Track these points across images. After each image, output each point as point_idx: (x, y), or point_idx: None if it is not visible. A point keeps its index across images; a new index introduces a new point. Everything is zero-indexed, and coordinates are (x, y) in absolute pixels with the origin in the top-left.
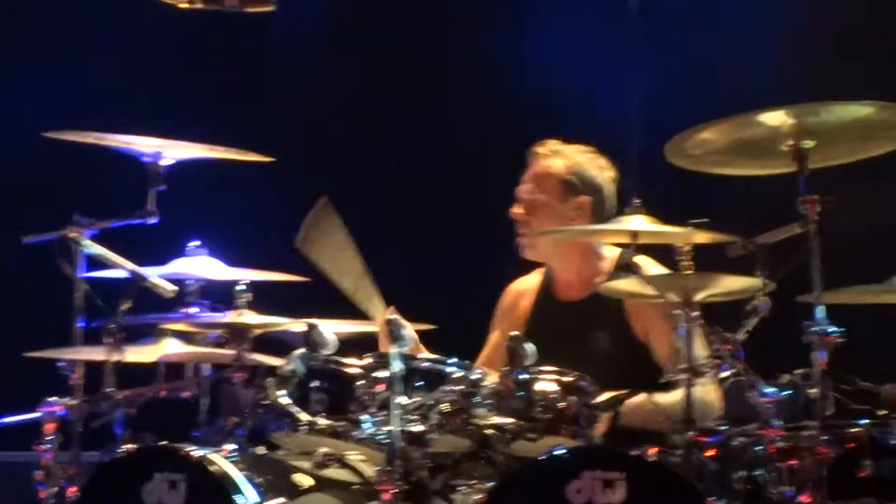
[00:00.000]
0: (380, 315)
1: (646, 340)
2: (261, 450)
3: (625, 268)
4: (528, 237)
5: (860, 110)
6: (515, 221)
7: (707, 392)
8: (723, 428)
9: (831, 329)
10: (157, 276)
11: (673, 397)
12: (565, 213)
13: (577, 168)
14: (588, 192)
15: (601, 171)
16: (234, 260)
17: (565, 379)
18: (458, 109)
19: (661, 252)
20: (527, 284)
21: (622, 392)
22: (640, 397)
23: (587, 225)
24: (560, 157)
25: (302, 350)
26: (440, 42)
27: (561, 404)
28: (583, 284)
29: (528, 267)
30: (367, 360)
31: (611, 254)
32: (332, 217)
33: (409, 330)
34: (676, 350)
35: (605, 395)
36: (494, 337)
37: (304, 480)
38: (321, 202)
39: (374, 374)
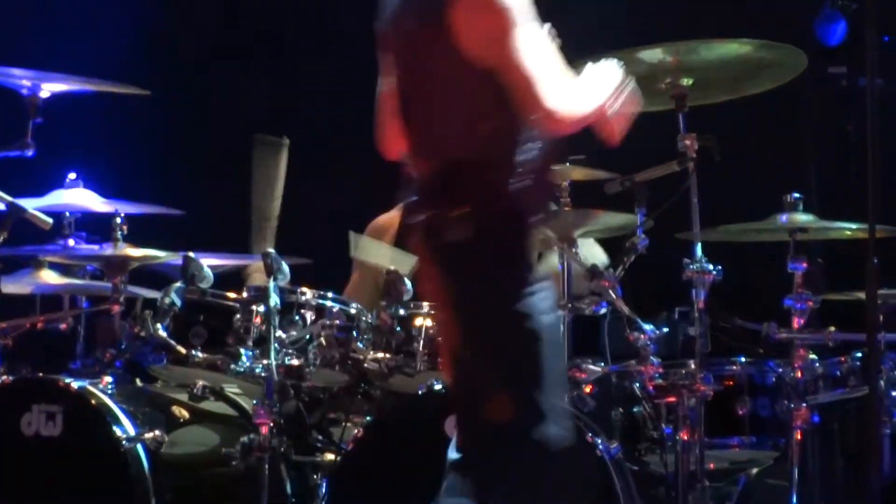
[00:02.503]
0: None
1: None
2: (138, 382)
3: None
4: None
5: (739, 48)
6: None
7: (594, 253)
8: (601, 365)
9: (710, 267)
10: (33, 208)
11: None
12: None
13: None
14: None
15: None
16: (110, 192)
17: None
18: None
19: None
20: (388, 220)
21: None
22: None
23: None
24: None
25: (179, 283)
26: None
27: (438, 339)
28: None
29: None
30: (245, 294)
31: None
32: (282, 156)
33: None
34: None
35: None
36: (354, 276)
37: (182, 413)
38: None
39: (251, 308)
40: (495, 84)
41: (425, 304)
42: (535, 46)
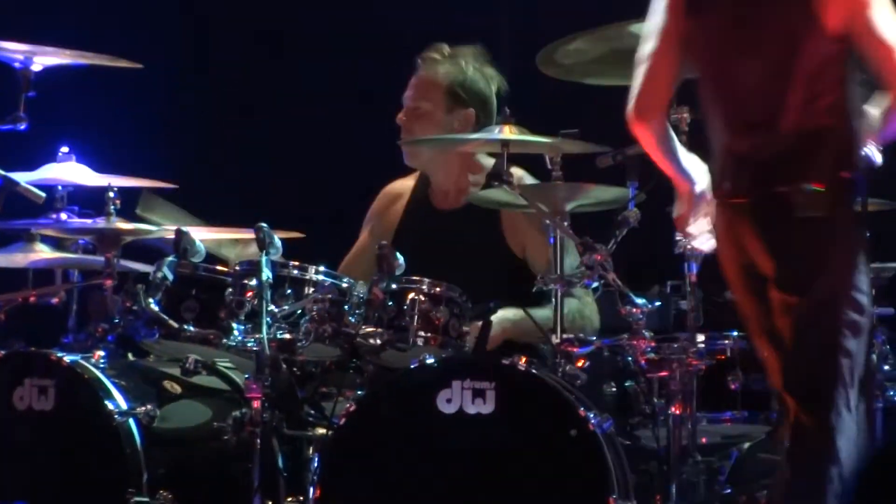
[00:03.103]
0: None
1: (522, 254)
2: (131, 356)
3: (495, 177)
4: (404, 144)
5: None
6: (399, 127)
7: (586, 305)
8: (593, 339)
9: None
10: (26, 182)
11: (548, 311)
12: (449, 123)
13: (464, 80)
14: (473, 105)
15: (488, 82)
16: (103, 166)
17: (435, 289)
18: (332, 18)
19: (533, 161)
20: (402, 188)
21: (492, 303)
22: (516, 312)
23: (430, 141)
24: (448, 65)
25: (171, 257)
26: None
27: (431, 314)
28: (459, 193)
29: (401, 175)
30: (237, 268)
31: (488, 164)
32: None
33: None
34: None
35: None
36: (363, 237)
37: (174, 387)
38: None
39: (243, 282)
40: (845, 54)
41: (416, 278)
42: (891, 17)
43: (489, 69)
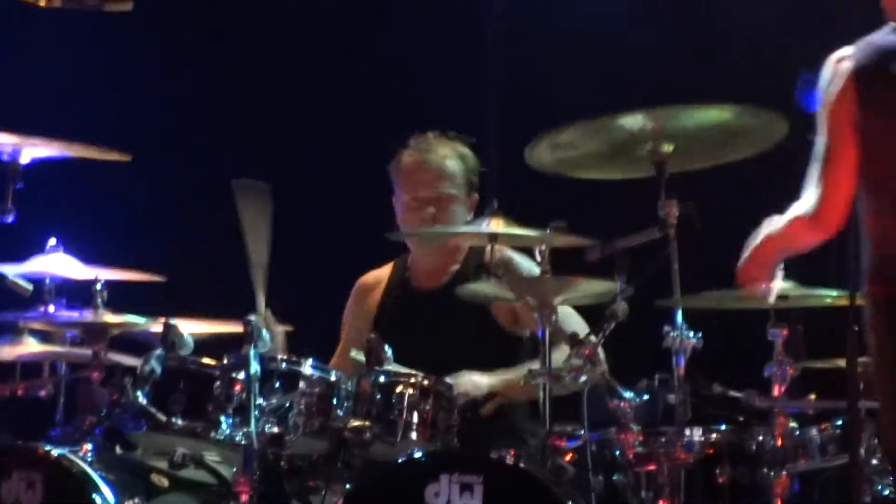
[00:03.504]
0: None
1: (511, 322)
2: (118, 449)
3: (483, 269)
4: (394, 236)
5: (720, 114)
6: (423, 221)
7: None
8: (581, 433)
9: (690, 334)
10: (14, 274)
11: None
12: (467, 210)
13: (473, 166)
14: (476, 190)
15: (477, 166)
16: (91, 259)
17: (424, 382)
18: (313, 109)
19: (521, 254)
20: (376, 277)
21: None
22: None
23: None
24: (449, 150)
25: (159, 350)
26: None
27: (419, 408)
28: (441, 274)
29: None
30: (225, 361)
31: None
32: (267, 203)
33: (279, 331)
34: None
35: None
36: (344, 336)
37: (162, 481)
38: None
39: (231, 375)
40: None
41: (405, 371)
42: None
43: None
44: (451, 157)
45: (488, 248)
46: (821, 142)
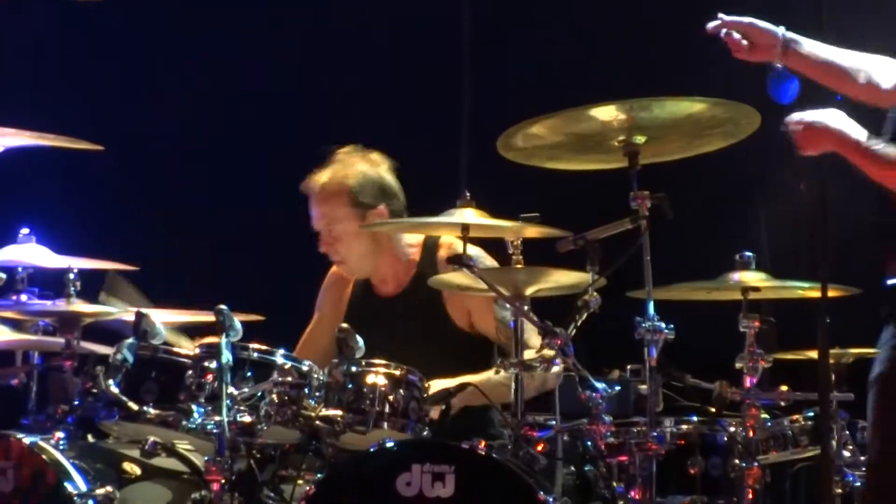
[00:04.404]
0: None
1: (468, 327)
2: (90, 438)
3: (455, 260)
4: (340, 265)
5: (691, 106)
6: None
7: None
8: (552, 423)
9: (662, 325)
10: None
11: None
12: (367, 228)
13: (361, 183)
14: (381, 200)
15: (380, 173)
16: (63, 248)
17: (395, 372)
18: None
19: (493, 245)
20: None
21: (453, 386)
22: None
23: (390, 226)
24: (339, 179)
25: (131, 339)
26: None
27: (391, 397)
28: (398, 280)
29: None
30: (197, 350)
31: (415, 240)
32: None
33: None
34: (502, 320)
35: (436, 387)
36: (316, 319)
37: (134, 469)
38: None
39: (203, 364)
40: None
41: (376, 360)
42: None
43: (372, 155)
44: (330, 184)
45: (442, 247)
46: None
